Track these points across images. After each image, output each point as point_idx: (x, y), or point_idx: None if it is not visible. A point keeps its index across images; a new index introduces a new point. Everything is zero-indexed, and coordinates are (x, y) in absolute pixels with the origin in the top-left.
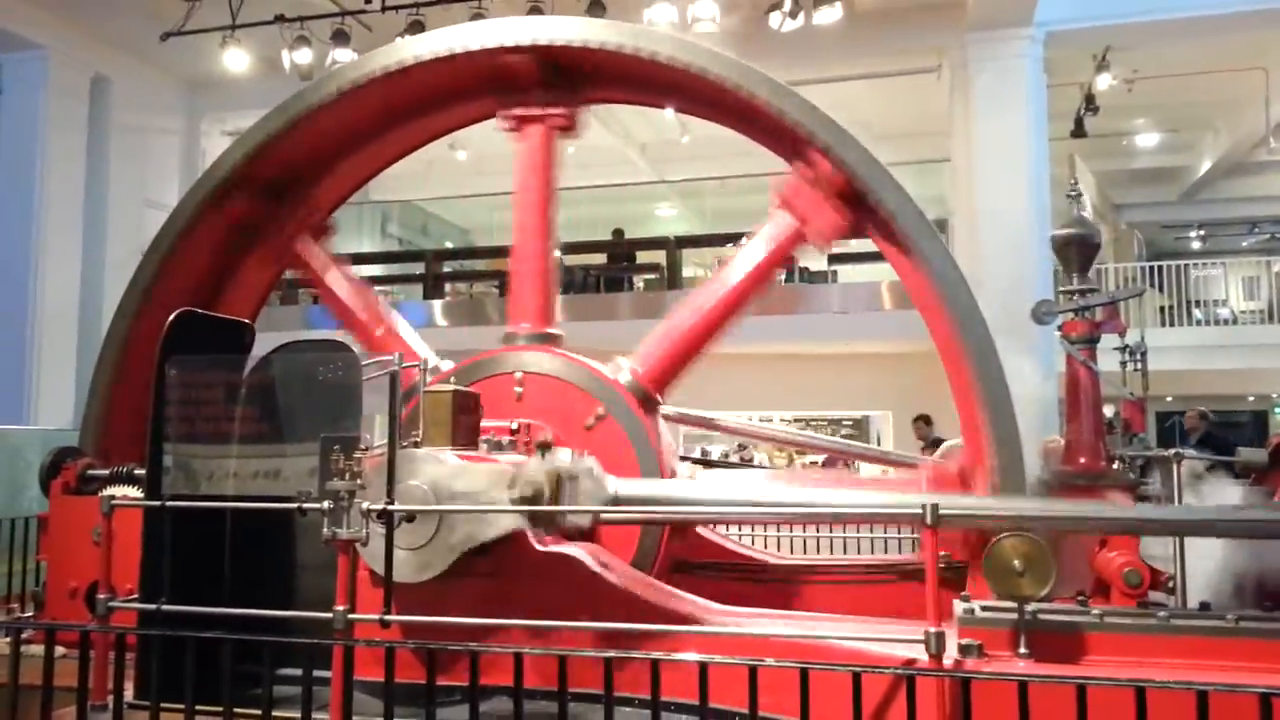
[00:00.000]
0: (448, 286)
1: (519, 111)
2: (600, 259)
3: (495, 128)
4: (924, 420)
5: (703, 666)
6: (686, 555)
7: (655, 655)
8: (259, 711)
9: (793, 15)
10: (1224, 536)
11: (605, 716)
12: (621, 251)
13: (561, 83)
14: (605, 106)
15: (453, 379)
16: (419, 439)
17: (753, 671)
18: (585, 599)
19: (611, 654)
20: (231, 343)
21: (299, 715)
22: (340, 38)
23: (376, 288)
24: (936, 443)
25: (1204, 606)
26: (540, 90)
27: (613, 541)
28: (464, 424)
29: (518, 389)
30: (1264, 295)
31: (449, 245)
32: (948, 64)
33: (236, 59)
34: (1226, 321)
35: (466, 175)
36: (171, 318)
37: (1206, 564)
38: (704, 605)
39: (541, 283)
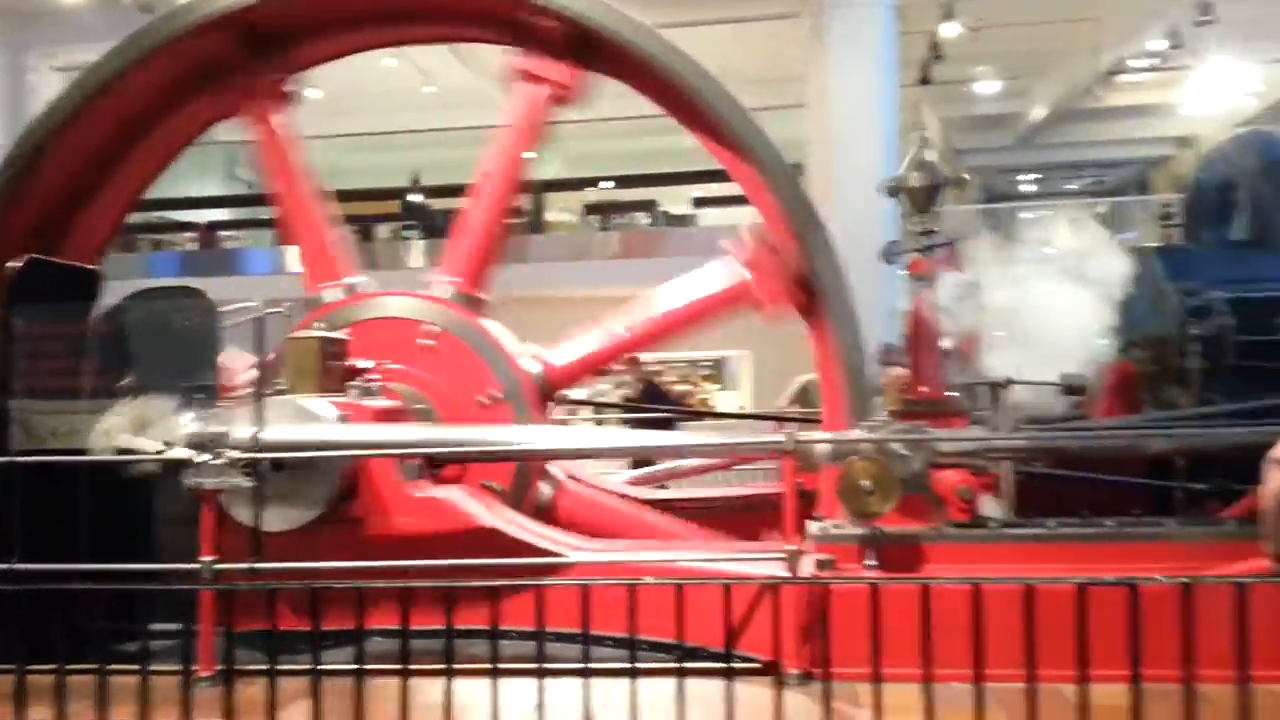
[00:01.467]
0: None
1: (534, 66)
2: (462, 202)
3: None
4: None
5: (584, 589)
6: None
7: (537, 582)
8: (132, 668)
9: None
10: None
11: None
12: None
13: (581, 53)
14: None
15: (355, 310)
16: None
17: (632, 591)
18: (460, 540)
19: (498, 584)
20: (78, 290)
21: (179, 668)
22: None
23: (222, 233)
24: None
25: (1030, 518)
26: (561, 52)
27: (483, 475)
28: (332, 371)
29: (427, 341)
30: (1086, 235)
31: None
32: (806, 9)
33: None
34: (1055, 261)
35: (320, 114)
36: (14, 265)
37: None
38: (576, 540)
39: (483, 243)
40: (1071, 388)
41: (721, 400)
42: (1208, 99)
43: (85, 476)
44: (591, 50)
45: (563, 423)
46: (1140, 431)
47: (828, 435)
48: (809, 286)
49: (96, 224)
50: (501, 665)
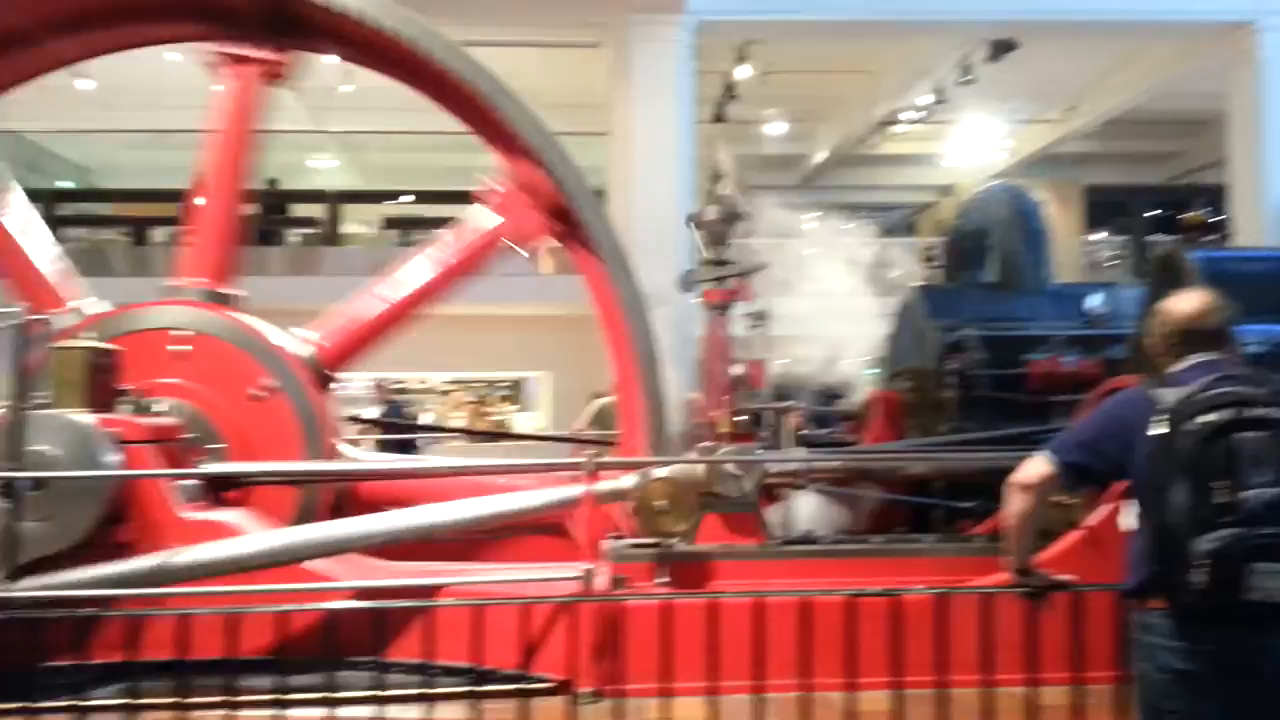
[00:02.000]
0: (66, 232)
1: (234, 49)
2: (250, 209)
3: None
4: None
5: (378, 613)
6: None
7: (328, 605)
8: None
9: None
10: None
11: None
12: (275, 203)
13: (282, 28)
14: None
15: (95, 331)
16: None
17: (428, 615)
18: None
19: (284, 609)
20: None
21: None
22: None
23: None
24: None
25: (807, 535)
26: (260, 31)
27: (269, 502)
28: (101, 384)
29: (183, 347)
30: (862, 272)
31: (67, 185)
32: (608, 41)
33: None
34: (833, 294)
35: (90, 107)
36: None
37: (811, 500)
38: (369, 563)
39: (222, 237)
40: (845, 414)
41: (520, 422)
42: (967, 152)
43: None
44: (293, 24)
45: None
46: (929, 455)
47: (666, 459)
48: (565, 215)
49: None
50: (287, 696)
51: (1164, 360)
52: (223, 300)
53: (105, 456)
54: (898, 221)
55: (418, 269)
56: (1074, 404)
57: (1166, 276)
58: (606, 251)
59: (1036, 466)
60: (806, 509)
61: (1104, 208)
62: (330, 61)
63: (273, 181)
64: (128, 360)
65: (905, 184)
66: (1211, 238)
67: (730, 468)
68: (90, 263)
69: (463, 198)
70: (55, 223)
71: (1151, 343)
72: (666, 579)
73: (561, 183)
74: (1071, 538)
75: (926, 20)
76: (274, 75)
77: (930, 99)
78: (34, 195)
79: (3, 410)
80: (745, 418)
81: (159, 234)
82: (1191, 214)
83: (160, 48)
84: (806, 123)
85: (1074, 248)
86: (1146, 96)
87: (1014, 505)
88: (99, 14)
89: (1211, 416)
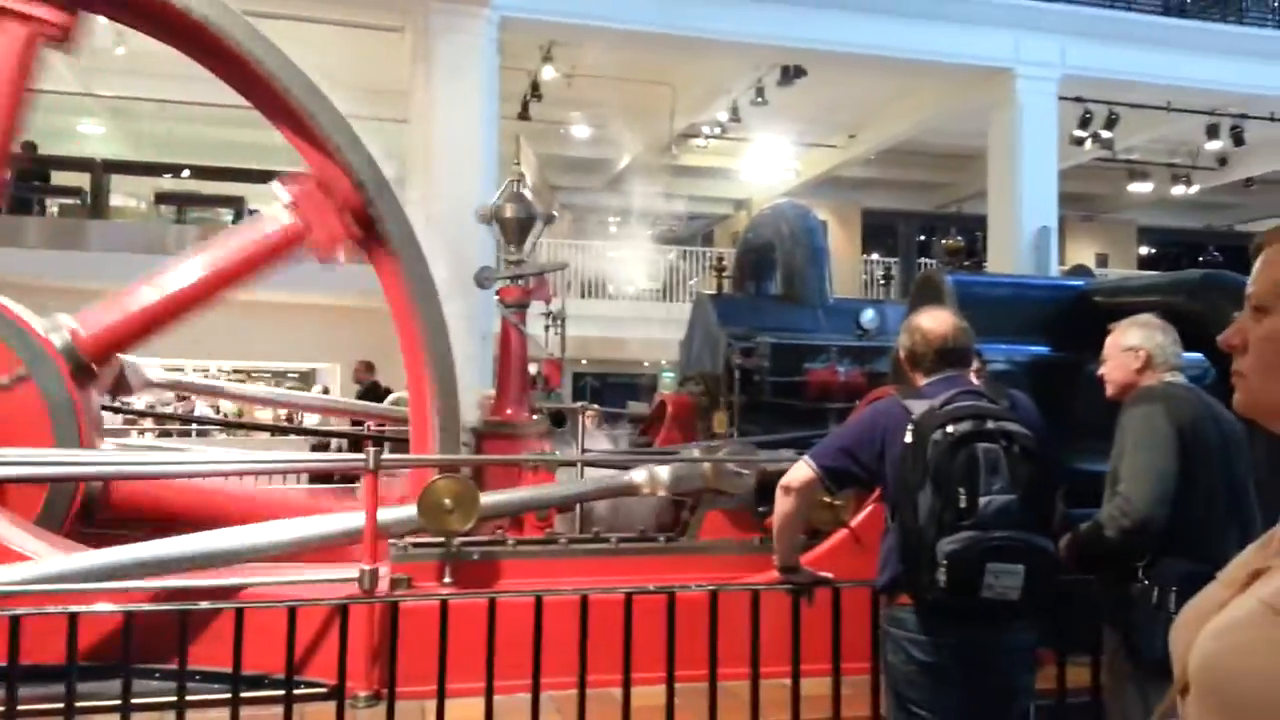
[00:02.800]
0: None
1: (11, 2)
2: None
3: None
4: (366, 366)
5: (129, 615)
6: (117, 511)
7: (65, 610)
8: None
9: None
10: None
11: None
12: (35, 169)
13: None
14: None
15: None
16: None
17: (183, 616)
18: None
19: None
20: None
21: None
22: None
23: None
24: (375, 387)
25: (596, 534)
26: None
27: (15, 496)
28: None
29: None
30: (661, 278)
31: None
32: (411, 27)
33: None
34: (634, 298)
35: None
36: None
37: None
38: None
39: None
40: (635, 416)
41: (310, 415)
42: (759, 169)
43: None
44: None
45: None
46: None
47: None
48: (365, 221)
49: None
50: (24, 706)
51: (916, 373)
52: None
53: None
54: (697, 231)
55: (201, 263)
56: (848, 410)
57: (925, 296)
58: (400, 243)
59: (800, 471)
60: (603, 509)
61: (878, 230)
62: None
63: (33, 146)
64: None
65: (705, 195)
66: (969, 262)
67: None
68: None
69: (243, 175)
70: None
71: (907, 355)
72: (450, 580)
73: (354, 170)
74: (837, 536)
75: (721, 39)
76: (54, 36)
77: (726, 116)
78: None
79: None
80: (540, 416)
81: None
82: (951, 240)
83: None
84: (610, 128)
85: (852, 265)
86: (919, 129)
87: (779, 506)
88: None
89: (952, 428)
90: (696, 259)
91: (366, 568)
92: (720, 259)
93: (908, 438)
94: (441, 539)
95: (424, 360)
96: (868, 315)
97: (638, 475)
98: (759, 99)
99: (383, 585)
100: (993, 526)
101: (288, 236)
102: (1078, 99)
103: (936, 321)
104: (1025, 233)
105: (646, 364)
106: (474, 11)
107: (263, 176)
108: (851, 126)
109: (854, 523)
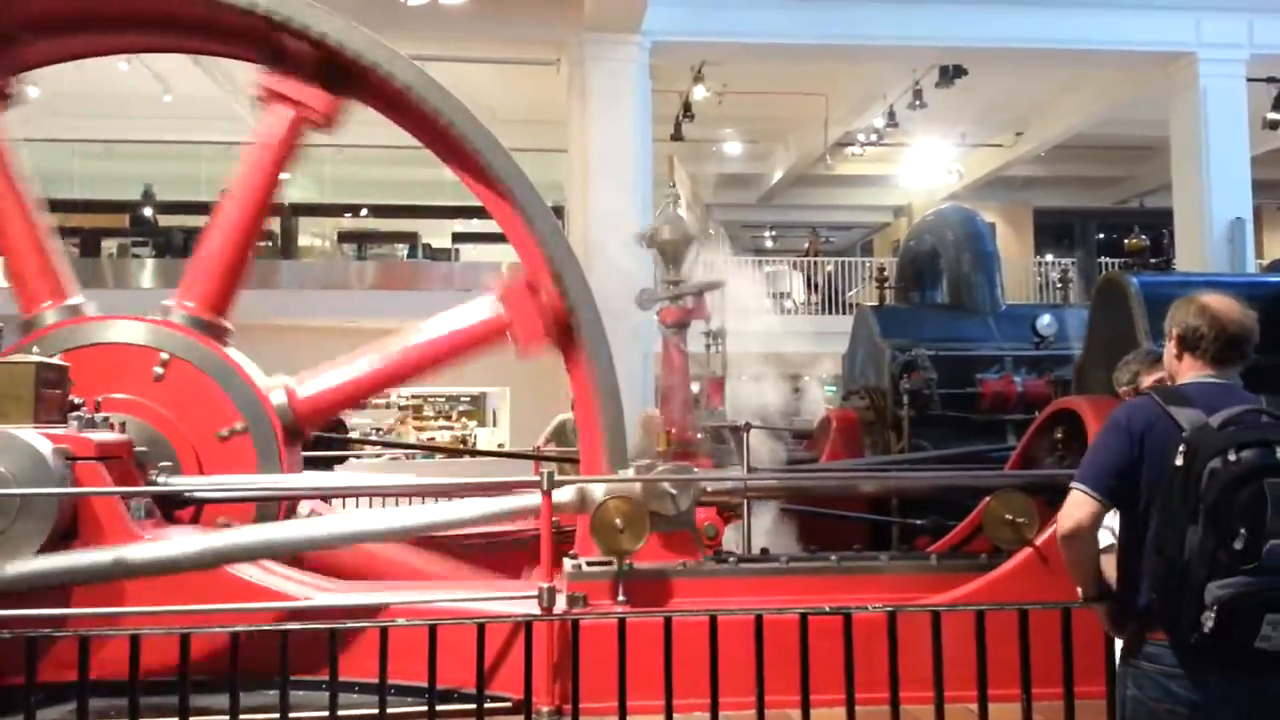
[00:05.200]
0: None
1: (282, 86)
2: (203, 221)
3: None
4: None
5: (332, 633)
6: None
7: (281, 627)
8: None
9: None
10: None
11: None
12: None
13: (333, 75)
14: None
15: (75, 338)
16: None
17: (383, 634)
18: (193, 584)
19: (238, 629)
20: None
21: None
22: None
23: None
24: None
25: (764, 552)
26: (310, 73)
27: (223, 514)
28: (49, 399)
29: (158, 369)
30: (821, 290)
31: None
32: (566, 59)
33: None
34: (791, 312)
35: (42, 116)
36: None
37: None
38: (317, 581)
39: (226, 268)
40: (799, 433)
41: (481, 437)
42: (919, 174)
43: None
44: (347, 76)
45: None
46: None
47: (614, 477)
48: (567, 326)
49: None
50: (245, 717)
51: (1184, 361)
52: (210, 330)
53: (55, 473)
54: (855, 241)
55: (410, 343)
56: (1026, 423)
57: (1109, 299)
58: (592, 351)
59: (1081, 503)
60: (764, 526)
61: (1052, 229)
62: None
63: (225, 192)
64: (102, 369)
65: (861, 204)
66: (1156, 261)
67: (666, 486)
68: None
69: (417, 212)
70: None
71: (1182, 336)
72: (624, 598)
73: (573, 303)
74: (1021, 555)
75: (876, 45)
76: (315, 122)
77: (882, 122)
78: None
79: None
80: (704, 435)
81: (109, 245)
82: (1135, 239)
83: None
84: (763, 143)
85: (1024, 269)
86: (1092, 122)
87: (1069, 545)
88: (164, 19)
89: (1235, 455)
90: (855, 270)
91: (546, 586)
92: (882, 269)
93: (1178, 460)
94: (613, 558)
95: (590, 381)
96: (1044, 321)
97: (562, 495)
98: (917, 102)
99: (559, 603)
100: (1276, 573)
101: (492, 328)
102: (1269, 79)
103: (1227, 305)
104: (1216, 226)
105: (806, 379)
106: (626, 39)
107: (433, 212)
108: (1018, 123)
109: (1039, 541)
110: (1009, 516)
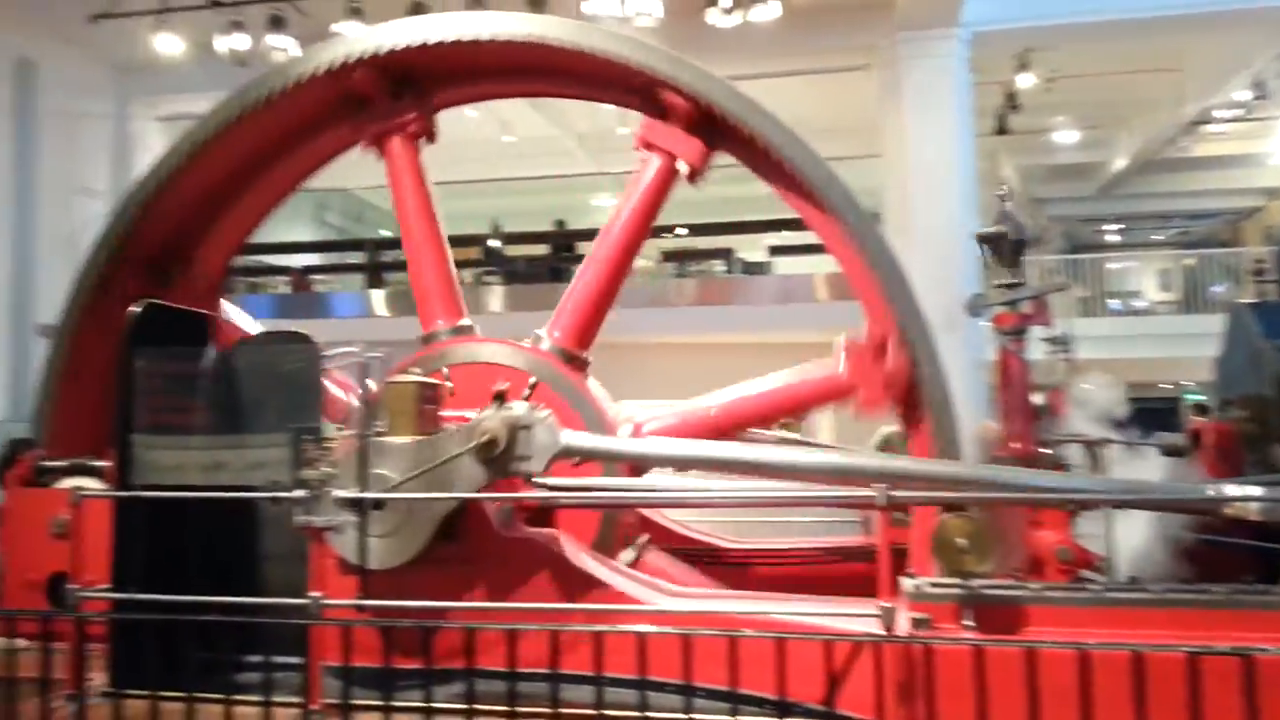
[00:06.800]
0: (387, 276)
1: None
2: (543, 249)
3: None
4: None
5: (686, 639)
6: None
7: (639, 629)
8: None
9: (729, 11)
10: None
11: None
12: (563, 242)
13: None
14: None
15: (435, 357)
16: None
17: (733, 644)
18: (551, 583)
19: (600, 629)
20: (192, 334)
21: (263, 700)
22: (276, 23)
23: (314, 277)
24: None
25: (1133, 581)
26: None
27: (572, 523)
28: (427, 413)
29: (526, 392)
30: (1177, 287)
31: (386, 234)
32: (877, 62)
33: (168, 43)
34: (1142, 313)
35: None
36: (135, 309)
37: (1132, 543)
38: (667, 586)
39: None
40: (1170, 449)
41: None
42: None
43: (194, 510)
44: (719, 131)
45: None
46: None
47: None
48: (912, 394)
49: (239, 223)
50: (607, 712)
51: None
52: (572, 361)
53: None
54: (1216, 229)
55: (754, 392)
56: None
57: None
58: (937, 414)
59: None
60: (1128, 550)
61: None
62: (607, 106)
63: (560, 223)
64: (476, 386)
65: (1222, 188)
66: None
67: None
68: (411, 303)
69: (731, 228)
70: (377, 268)
71: None
72: (972, 623)
73: (923, 373)
74: None
75: (1238, 8)
76: (688, 173)
77: (1248, 94)
78: (358, 244)
79: (349, 438)
80: (1050, 449)
81: (465, 275)
82: None
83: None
84: (1101, 129)
85: None
86: None
87: None
88: (562, 70)
89: None
90: (1217, 262)
91: (887, 606)
92: (1259, 260)
93: None
94: (958, 579)
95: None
96: None
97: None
98: None
99: (901, 624)
100: None
101: (834, 387)
102: None
103: None
104: None
105: (1166, 386)
106: (943, 34)
107: (748, 227)
108: None
109: None
110: None
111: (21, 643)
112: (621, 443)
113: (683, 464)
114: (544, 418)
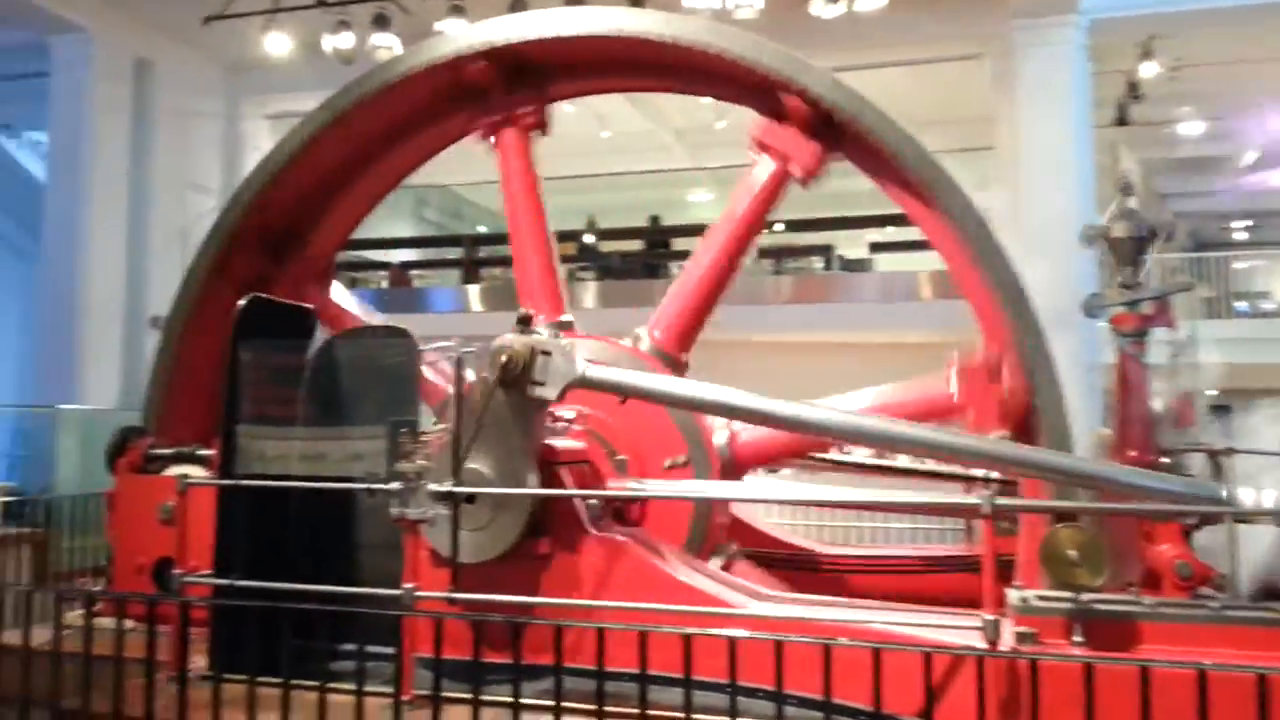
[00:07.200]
0: (483, 271)
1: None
2: (637, 245)
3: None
4: None
5: (778, 645)
6: (735, 544)
7: (730, 633)
8: (348, 687)
9: (834, 0)
10: None
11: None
12: (658, 238)
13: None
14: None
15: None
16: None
17: (827, 652)
18: (640, 583)
19: (690, 631)
20: (296, 327)
21: (356, 689)
22: (381, 22)
23: (412, 272)
24: None
25: (1260, 598)
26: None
27: (661, 526)
28: None
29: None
30: None
31: (483, 230)
32: (990, 52)
33: (277, 43)
34: (1271, 315)
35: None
36: (242, 303)
37: (1256, 559)
38: (757, 589)
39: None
40: None
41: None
42: None
43: (295, 499)
44: (837, 133)
45: None
46: None
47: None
48: (1025, 415)
49: (352, 208)
50: (696, 716)
51: None
52: (673, 364)
53: (529, 476)
54: None
55: (862, 405)
56: None
57: None
58: (1052, 438)
59: None
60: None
61: None
62: (703, 100)
63: (655, 219)
64: None
65: None
66: None
67: None
68: (506, 298)
69: (830, 224)
70: (475, 263)
71: None
72: (1081, 639)
73: (1041, 400)
74: None
75: None
76: (801, 175)
77: None
78: (456, 240)
79: (442, 432)
80: (1172, 460)
81: (561, 270)
82: None
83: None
84: (1230, 119)
85: None
86: None
87: None
88: (681, 66)
89: None
90: None
91: (990, 618)
92: None
93: None
94: (1067, 593)
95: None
96: None
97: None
98: None
99: (1005, 638)
100: None
101: (944, 406)
102: None
103: None
104: None
105: None
106: (1061, 21)
107: (845, 224)
108: None
109: None
110: None
111: (129, 624)
112: (643, 378)
113: (711, 410)
114: (564, 345)
